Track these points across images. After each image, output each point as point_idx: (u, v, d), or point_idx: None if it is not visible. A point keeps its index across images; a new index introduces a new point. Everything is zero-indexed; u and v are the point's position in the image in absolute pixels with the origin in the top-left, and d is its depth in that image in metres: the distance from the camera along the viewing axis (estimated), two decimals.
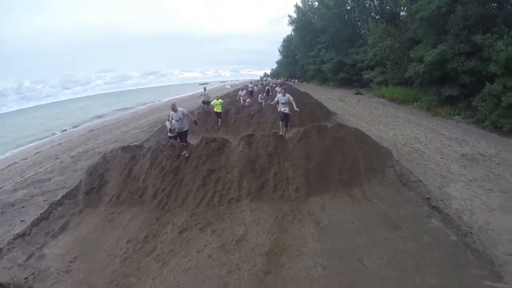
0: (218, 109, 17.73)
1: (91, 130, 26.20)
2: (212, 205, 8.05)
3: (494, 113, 13.60)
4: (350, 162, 8.69)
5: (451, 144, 11.31)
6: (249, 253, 5.93)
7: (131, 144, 12.11)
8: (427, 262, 5.11)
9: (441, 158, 9.80)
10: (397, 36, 24.91)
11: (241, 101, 22.12)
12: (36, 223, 8.15)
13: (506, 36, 14.33)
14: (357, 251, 5.57)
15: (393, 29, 26.41)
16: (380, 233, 5.99)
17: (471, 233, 5.58)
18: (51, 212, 8.66)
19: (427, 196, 7.07)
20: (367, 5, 37.84)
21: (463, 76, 16.62)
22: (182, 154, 9.75)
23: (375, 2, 36.46)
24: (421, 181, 7.74)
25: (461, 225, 5.82)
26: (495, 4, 17.36)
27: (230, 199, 8.13)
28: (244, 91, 24.32)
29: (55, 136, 30.05)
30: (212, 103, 18.41)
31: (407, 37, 24.30)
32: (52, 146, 20.67)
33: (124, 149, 10.78)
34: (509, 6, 16.78)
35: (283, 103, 11.66)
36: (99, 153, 12.99)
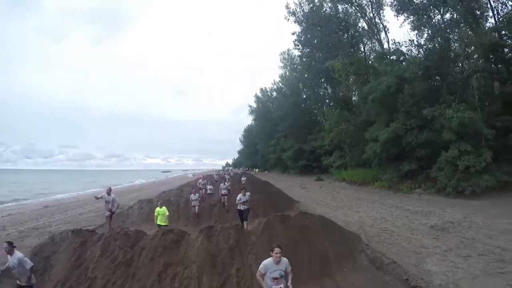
0: (161, 221, 13.02)
1: (46, 206, 24.70)
2: None
3: (454, 179, 14.22)
4: (318, 252, 8.12)
5: (418, 218, 11.25)
6: None
7: (83, 228, 10.95)
8: None
9: (411, 234, 9.56)
10: (352, 120, 26.40)
11: (203, 190, 20.61)
12: None
13: (453, 103, 15.44)
14: None
15: (347, 114, 28.19)
16: None
17: None
18: None
19: (405, 278, 6.52)
20: (321, 93, 40.56)
21: (419, 150, 17.52)
22: None
23: (328, 89, 39.05)
24: (396, 262, 7.23)
25: None
26: (438, 77, 19.45)
27: None
28: (205, 180, 22.58)
29: (6, 205, 28.64)
30: (155, 213, 13.33)
31: (361, 119, 25.77)
32: (2, 216, 19.14)
33: (75, 232, 9.71)
34: (449, 77, 18.71)
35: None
36: (50, 232, 11.79)
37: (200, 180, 22.80)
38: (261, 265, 5.64)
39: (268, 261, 5.60)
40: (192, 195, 16.33)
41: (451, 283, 5.92)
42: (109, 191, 12.81)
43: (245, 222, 11.80)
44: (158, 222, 12.83)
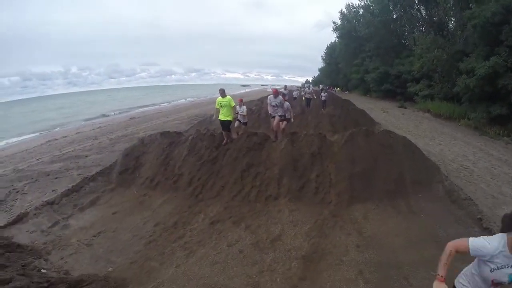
0: (225, 115, 10.14)
1: (132, 118, 27.13)
2: (248, 200, 7.81)
3: None
4: (397, 172, 8.20)
5: (501, 166, 10.75)
6: (284, 254, 5.60)
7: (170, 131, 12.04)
8: None
9: (491, 178, 9.29)
10: (446, 47, 23.96)
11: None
12: (66, 194, 8.33)
13: None
14: (402, 267, 5.15)
15: (442, 40, 25.42)
16: (428, 251, 5.52)
17: None
18: (82, 186, 8.84)
19: (478, 217, 6.57)
20: (413, 14, 36.67)
21: None
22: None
23: (422, 11, 35.27)
24: (472, 200, 7.24)
25: None
26: None
27: (267, 196, 7.85)
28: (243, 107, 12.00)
29: (97, 120, 31.51)
30: (217, 104, 10.40)
31: (456, 49, 23.31)
32: (93, 129, 21.59)
33: (163, 134, 10.86)
34: None
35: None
36: (138, 138, 13.12)
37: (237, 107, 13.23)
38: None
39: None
40: (238, 106, 11.58)
41: None
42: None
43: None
44: (221, 117, 10.15)
